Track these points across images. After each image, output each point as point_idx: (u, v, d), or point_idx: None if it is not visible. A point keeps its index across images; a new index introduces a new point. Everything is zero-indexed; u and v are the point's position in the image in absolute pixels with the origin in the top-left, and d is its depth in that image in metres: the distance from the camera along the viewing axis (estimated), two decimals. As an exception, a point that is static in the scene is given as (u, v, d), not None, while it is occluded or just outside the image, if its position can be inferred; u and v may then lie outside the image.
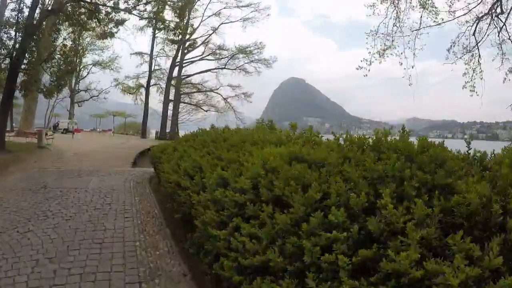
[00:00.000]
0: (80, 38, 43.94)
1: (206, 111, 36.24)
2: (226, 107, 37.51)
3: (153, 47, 38.19)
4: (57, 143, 19.92)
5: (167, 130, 35.58)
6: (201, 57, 37.85)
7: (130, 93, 39.94)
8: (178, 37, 28.88)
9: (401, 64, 11.51)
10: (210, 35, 36.27)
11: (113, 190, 6.57)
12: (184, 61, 36.84)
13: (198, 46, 36.79)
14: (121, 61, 42.98)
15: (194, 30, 36.75)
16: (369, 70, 11.39)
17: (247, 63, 35.75)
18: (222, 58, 37.01)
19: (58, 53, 14.52)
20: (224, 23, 36.14)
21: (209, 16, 35.86)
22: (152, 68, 38.18)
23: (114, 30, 16.29)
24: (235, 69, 36.05)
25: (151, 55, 38.15)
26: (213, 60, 37.48)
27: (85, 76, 44.91)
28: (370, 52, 11.44)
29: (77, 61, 45.10)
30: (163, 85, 38.60)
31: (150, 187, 7.18)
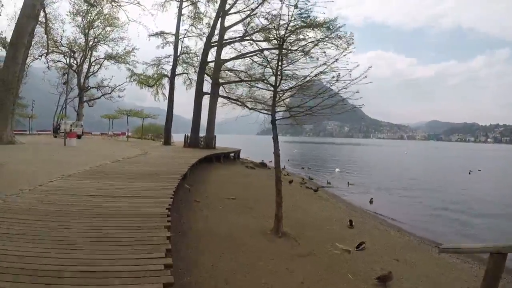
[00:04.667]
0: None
1: (251, 108, 25.64)
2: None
3: (179, 25, 28.37)
4: (14, 162, 10.32)
5: (201, 135, 25.20)
6: (243, 37, 27.71)
7: (149, 86, 30.24)
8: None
9: None
10: (259, 5, 26.06)
11: None
12: (224, 41, 26.73)
13: (244, 19, 26.51)
14: (137, 53, 34.66)
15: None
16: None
17: (314, 41, 25.19)
18: (273, 39, 26.68)
19: None
20: (278, -11, 25.91)
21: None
22: (178, 51, 28.34)
23: None
24: (296, 50, 25.58)
25: (176, 34, 28.17)
26: (261, 41, 27.19)
27: (97, 71, 37.00)
28: None
29: (88, 53, 36.77)
30: (193, 76, 28.72)
31: None
